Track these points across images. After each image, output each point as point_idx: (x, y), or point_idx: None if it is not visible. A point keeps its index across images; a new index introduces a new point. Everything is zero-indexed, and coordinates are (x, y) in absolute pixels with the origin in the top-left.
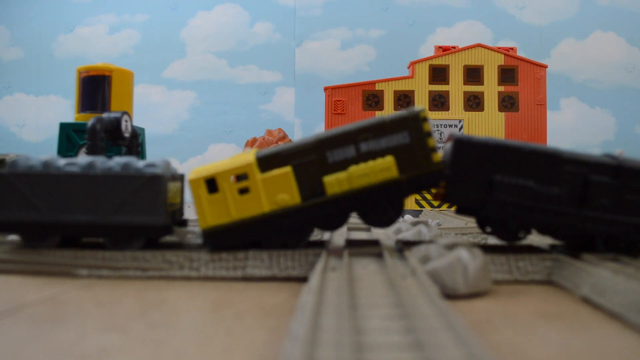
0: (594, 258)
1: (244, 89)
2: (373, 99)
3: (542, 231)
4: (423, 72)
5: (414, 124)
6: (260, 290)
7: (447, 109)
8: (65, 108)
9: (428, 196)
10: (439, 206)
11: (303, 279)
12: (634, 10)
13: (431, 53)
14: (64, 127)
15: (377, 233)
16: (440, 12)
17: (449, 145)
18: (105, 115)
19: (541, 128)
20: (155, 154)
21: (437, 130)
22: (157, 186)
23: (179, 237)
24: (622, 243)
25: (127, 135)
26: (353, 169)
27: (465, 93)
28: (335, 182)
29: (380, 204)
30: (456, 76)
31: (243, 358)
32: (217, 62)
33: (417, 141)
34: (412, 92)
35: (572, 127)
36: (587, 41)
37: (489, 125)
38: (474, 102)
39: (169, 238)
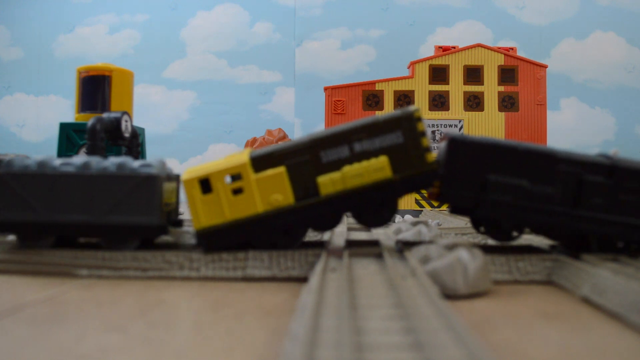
0: (594, 258)
1: (244, 89)
2: (373, 99)
3: (536, 231)
4: (423, 72)
5: (408, 124)
6: (260, 290)
7: (447, 109)
8: (65, 108)
9: None
10: (439, 206)
11: (303, 279)
12: (634, 10)
13: (431, 53)
14: (64, 127)
15: (377, 233)
16: (440, 12)
17: (443, 144)
18: (105, 115)
19: (541, 128)
20: (155, 154)
21: (437, 130)
22: (153, 186)
23: (175, 237)
24: (616, 243)
25: (127, 135)
26: (347, 169)
27: (465, 93)
28: (329, 183)
29: (374, 204)
30: (456, 76)
31: (243, 358)
32: (217, 62)
33: (410, 141)
34: (412, 92)
35: (572, 127)
36: (587, 41)
37: (489, 125)
38: (474, 102)
39: (165, 238)
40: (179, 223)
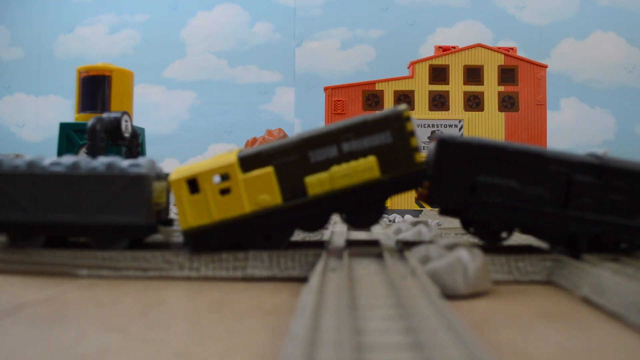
0: (594, 258)
1: (244, 89)
2: (373, 99)
3: (526, 232)
4: (423, 72)
5: (397, 124)
6: (260, 290)
7: (447, 109)
8: (65, 108)
9: None
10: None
11: (303, 280)
12: (634, 10)
13: (431, 53)
14: (64, 127)
15: (377, 233)
16: (440, 12)
17: (432, 145)
18: (105, 115)
19: (541, 128)
20: (155, 154)
21: (438, 130)
22: (142, 186)
23: (165, 236)
24: (606, 243)
25: (127, 135)
26: (335, 169)
27: (465, 93)
28: (316, 183)
29: (362, 205)
30: (456, 76)
31: (243, 358)
32: (217, 62)
33: (399, 141)
34: (412, 92)
35: (572, 127)
36: (587, 41)
37: (489, 125)
38: (474, 102)
39: (156, 237)
40: (170, 222)
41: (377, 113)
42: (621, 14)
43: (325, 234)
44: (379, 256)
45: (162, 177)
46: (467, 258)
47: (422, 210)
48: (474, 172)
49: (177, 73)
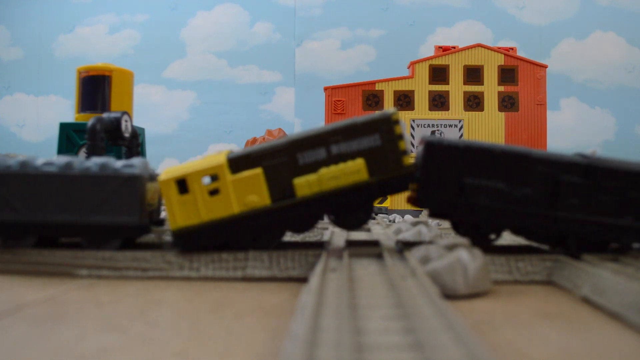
0: (594, 258)
1: (244, 89)
2: (373, 99)
3: (515, 233)
4: (423, 72)
5: (386, 127)
6: (260, 290)
7: (447, 109)
8: (65, 108)
9: None
10: None
11: (303, 280)
12: (634, 10)
13: (431, 53)
14: (64, 127)
15: (377, 233)
16: (440, 12)
17: (421, 148)
18: (105, 115)
19: (541, 128)
20: (155, 154)
21: (438, 130)
22: (135, 186)
23: (157, 236)
24: (595, 243)
25: (127, 135)
26: (323, 171)
27: (465, 93)
28: (305, 184)
29: (351, 206)
30: (456, 76)
31: (243, 358)
32: (217, 62)
33: (388, 144)
34: (412, 92)
35: (572, 127)
36: (587, 41)
37: (489, 125)
38: (474, 102)
39: (148, 237)
40: (161, 222)
41: (367, 116)
42: (621, 14)
43: (325, 234)
44: (379, 256)
45: (155, 177)
46: (467, 258)
47: (422, 211)
48: (461, 174)
49: (177, 73)
